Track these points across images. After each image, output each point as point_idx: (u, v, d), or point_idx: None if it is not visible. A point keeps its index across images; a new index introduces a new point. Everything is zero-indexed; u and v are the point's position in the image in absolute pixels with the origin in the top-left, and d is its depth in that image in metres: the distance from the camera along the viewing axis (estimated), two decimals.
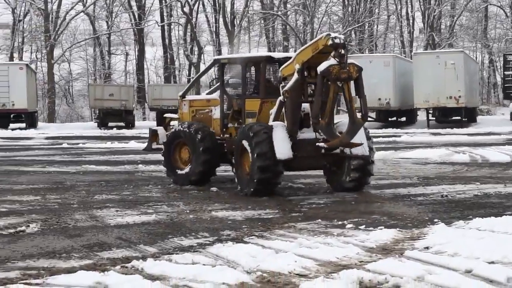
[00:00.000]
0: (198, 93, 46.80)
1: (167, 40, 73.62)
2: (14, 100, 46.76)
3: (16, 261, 8.25)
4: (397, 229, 9.80)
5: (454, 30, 69.23)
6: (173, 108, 41.29)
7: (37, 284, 7.15)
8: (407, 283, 6.93)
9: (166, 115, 18.54)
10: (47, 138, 38.97)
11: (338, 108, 47.11)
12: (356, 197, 13.46)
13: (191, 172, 15.52)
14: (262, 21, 72.49)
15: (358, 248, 8.53)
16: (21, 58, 68.76)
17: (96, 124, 52.97)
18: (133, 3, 71.30)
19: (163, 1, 71.03)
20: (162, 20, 72.38)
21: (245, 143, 13.97)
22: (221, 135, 15.59)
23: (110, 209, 12.19)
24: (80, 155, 25.75)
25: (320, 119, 12.86)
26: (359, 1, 69.67)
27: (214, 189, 14.80)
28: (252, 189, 13.68)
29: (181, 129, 15.87)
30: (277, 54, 15.71)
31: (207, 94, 17.30)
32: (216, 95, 16.15)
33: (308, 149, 13.84)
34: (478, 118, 45.70)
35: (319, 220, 10.78)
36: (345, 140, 13.20)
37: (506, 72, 49.08)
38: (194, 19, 69.89)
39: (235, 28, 67.97)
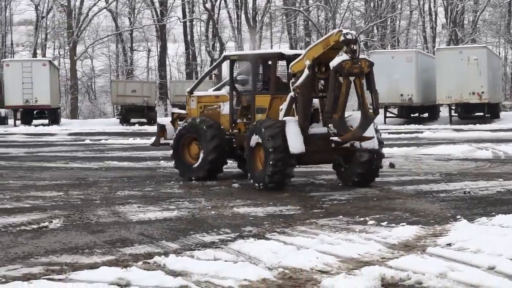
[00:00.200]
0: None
1: (189, 36, 73.71)
2: (37, 96, 46.87)
3: (39, 257, 8.31)
4: (419, 225, 9.77)
5: (477, 26, 68.66)
6: None
7: (60, 280, 7.20)
8: (430, 279, 6.91)
9: (173, 110, 18.63)
10: (69, 134, 39.15)
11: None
12: (378, 194, 13.44)
13: (200, 167, 15.70)
14: (284, 17, 72.44)
15: (380, 245, 8.51)
16: (44, 55, 69.11)
17: (118, 120, 53.12)
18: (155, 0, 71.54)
19: None
20: (184, 16, 72.38)
21: (258, 137, 14.18)
22: (230, 130, 15.83)
23: (132, 205, 12.25)
24: (103, 151, 25.87)
25: (333, 113, 13.02)
26: None
27: (236, 185, 14.83)
28: (266, 183, 13.89)
29: (193, 123, 15.96)
30: (287, 51, 15.85)
31: (213, 90, 17.44)
32: (224, 91, 16.29)
33: (319, 144, 14.11)
34: (501, 114, 45.27)
35: (341, 216, 10.79)
36: (358, 134, 13.36)
37: None
38: (216, 15, 70.02)
39: (257, 24, 68.00)
